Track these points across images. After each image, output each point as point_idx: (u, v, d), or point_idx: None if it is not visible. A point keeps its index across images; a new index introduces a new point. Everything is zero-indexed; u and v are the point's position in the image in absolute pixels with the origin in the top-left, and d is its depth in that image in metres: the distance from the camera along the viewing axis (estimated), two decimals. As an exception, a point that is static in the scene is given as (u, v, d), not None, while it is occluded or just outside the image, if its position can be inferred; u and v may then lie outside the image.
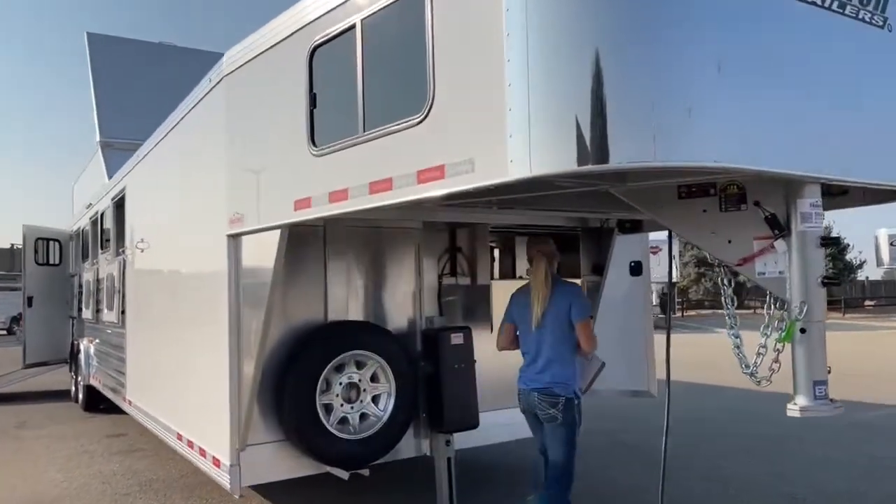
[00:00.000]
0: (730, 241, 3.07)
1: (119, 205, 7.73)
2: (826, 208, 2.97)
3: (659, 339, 5.42)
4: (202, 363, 4.89)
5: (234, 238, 4.31)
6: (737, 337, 3.22)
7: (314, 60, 3.51)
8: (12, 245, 31.95)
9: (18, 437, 8.47)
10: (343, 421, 4.56)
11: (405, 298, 5.10)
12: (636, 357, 5.89)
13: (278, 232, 3.84)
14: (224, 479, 4.32)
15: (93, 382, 9.50)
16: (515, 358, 4.31)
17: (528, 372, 4.11)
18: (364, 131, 3.14)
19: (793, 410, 2.82)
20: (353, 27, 3.21)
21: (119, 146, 9.44)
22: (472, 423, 4.82)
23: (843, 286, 38.28)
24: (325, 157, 3.42)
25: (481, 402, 4.87)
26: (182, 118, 5.39)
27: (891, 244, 31.08)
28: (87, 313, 9.59)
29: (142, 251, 6.66)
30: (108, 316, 8.12)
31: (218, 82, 4.50)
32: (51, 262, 12.02)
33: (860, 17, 2.92)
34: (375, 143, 3.08)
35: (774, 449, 6.98)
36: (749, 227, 2.99)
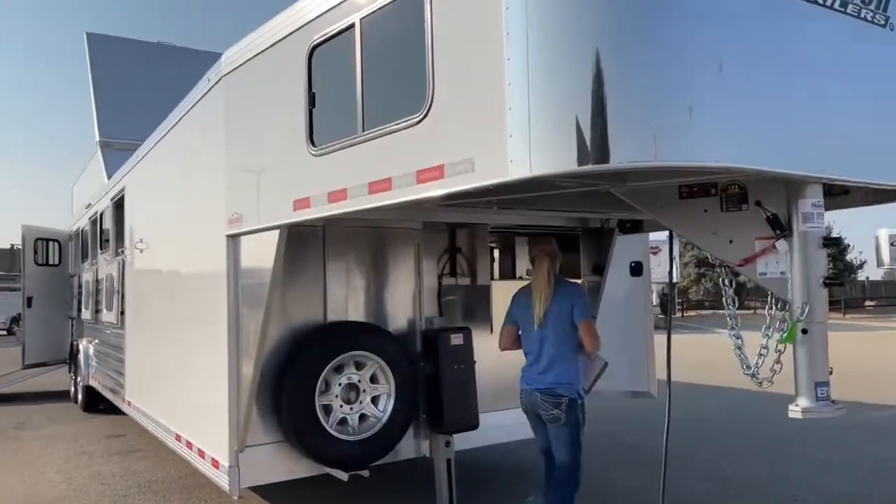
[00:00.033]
0: (731, 242, 3.05)
1: (118, 205, 7.72)
2: (827, 208, 2.95)
3: (659, 339, 5.41)
4: (201, 364, 4.88)
5: (234, 238, 4.29)
6: (738, 338, 3.21)
7: (313, 60, 3.50)
8: (12, 245, 31.92)
9: (18, 438, 8.46)
10: (342, 422, 4.55)
11: (405, 299, 5.09)
12: (636, 358, 5.88)
13: (277, 232, 3.82)
14: (223, 480, 4.31)
15: (92, 383, 9.49)
16: (515, 358, 4.29)
17: (530, 372, 4.10)
18: (363, 131, 3.13)
19: (794, 412, 2.81)
20: (352, 26, 3.20)
21: (118, 146, 9.42)
22: (472, 424, 4.81)
23: (843, 286, 38.25)
24: (324, 156, 3.41)
25: (481, 403, 4.86)
26: (181, 118, 5.38)
27: (891, 244, 31.03)
28: (86, 314, 9.57)
29: (141, 251, 6.65)
30: (108, 316, 8.11)
31: (217, 82, 4.48)
32: (50, 262, 12.00)
33: (862, 15, 2.91)
34: (375, 143, 3.07)
35: (776, 450, 6.96)
36: (750, 228, 2.97)
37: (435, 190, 2.73)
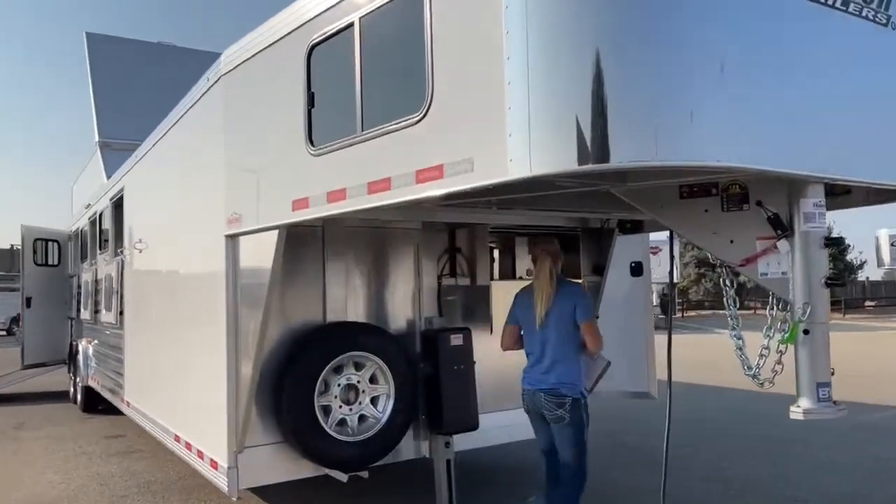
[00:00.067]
0: (732, 242, 3.04)
1: (117, 205, 7.70)
2: (829, 208, 2.94)
3: (659, 339, 5.40)
4: (200, 364, 4.86)
5: (232, 238, 4.28)
6: (739, 338, 3.20)
7: (312, 59, 3.48)
8: (12, 246, 31.90)
9: (17, 439, 8.44)
10: (342, 423, 4.53)
11: (404, 299, 5.08)
12: (637, 358, 5.87)
13: (276, 232, 3.81)
14: (222, 481, 4.29)
15: (91, 383, 9.48)
16: (515, 359, 4.28)
17: (533, 372, 4.09)
18: (362, 131, 3.12)
19: (796, 413, 2.79)
20: (351, 25, 3.19)
21: (118, 146, 9.41)
22: (472, 425, 4.79)
23: (844, 287, 38.26)
24: (324, 156, 3.39)
25: (481, 404, 4.84)
26: (180, 118, 5.36)
27: (891, 244, 31.05)
28: (85, 314, 9.56)
29: (140, 252, 6.64)
30: (107, 317, 8.09)
31: (216, 81, 4.47)
32: (49, 262, 11.99)
33: (864, 14, 2.89)
34: (374, 143, 3.05)
35: (777, 450, 6.94)
36: (751, 228, 2.96)
37: (434, 190, 2.72)
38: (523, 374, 4.16)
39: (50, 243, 12.02)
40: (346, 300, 4.81)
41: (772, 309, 2.98)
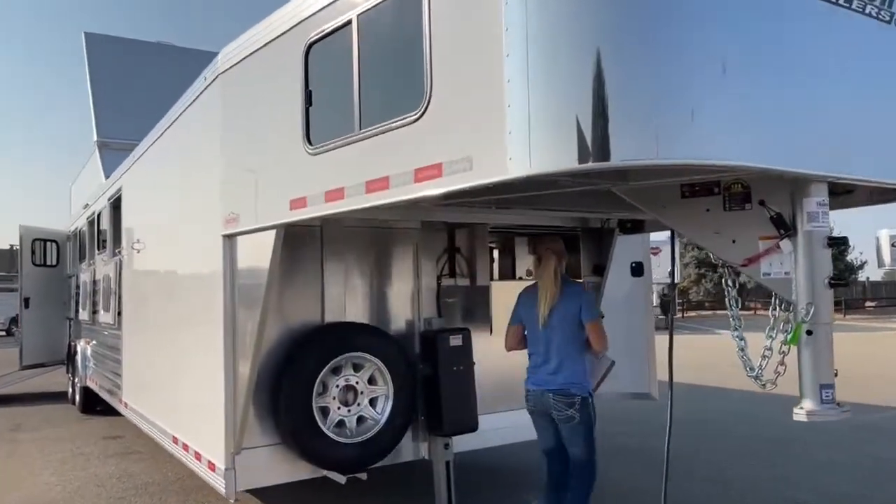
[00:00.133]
0: (734, 242, 3.01)
1: (115, 205, 7.68)
2: (831, 208, 2.90)
3: (660, 340, 5.37)
4: (197, 365, 4.83)
5: (230, 238, 4.25)
6: (741, 339, 3.18)
7: (310, 57, 3.45)
8: (11, 246, 31.85)
9: (14, 440, 8.41)
10: (340, 424, 4.50)
11: (403, 299, 5.04)
12: (637, 359, 5.84)
13: (274, 232, 3.78)
14: (219, 483, 4.26)
15: (89, 384, 9.45)
16: (515, 359, 4.25)
17: (539, 373, 4.06)
18: (360, 129, 3.09)
19: (799, 415, 2.76)
20: (349, 23, 3.16)
21: (116, 146, 9.36)
22: (471, 426, 4.76)
23: (848, 287, 38.25)
24: (321, 155, 3.36)
25: (480, 405, 4.81)
26: (178, 117, 5.34)
27: (892, 245, 31.01)
28: (83, 314, 9.53)
29: (138, 252, 6.61)
30: (105, 317, 8.06)
31: (213, 80, 4.44)
32: (48, 262, 11.96)
33: (867, 11, 2.87)
34: (372, 142, 3.02)
35: (777, 451, 6.92)
36: (754, 227, 2.93)
37: (433, 189, 2.69)
38: (527, 375, 4.13)
39: (48, 243, 11.99)
40: (345, 300, 4.78)
41: (774, 309, 2.95)
